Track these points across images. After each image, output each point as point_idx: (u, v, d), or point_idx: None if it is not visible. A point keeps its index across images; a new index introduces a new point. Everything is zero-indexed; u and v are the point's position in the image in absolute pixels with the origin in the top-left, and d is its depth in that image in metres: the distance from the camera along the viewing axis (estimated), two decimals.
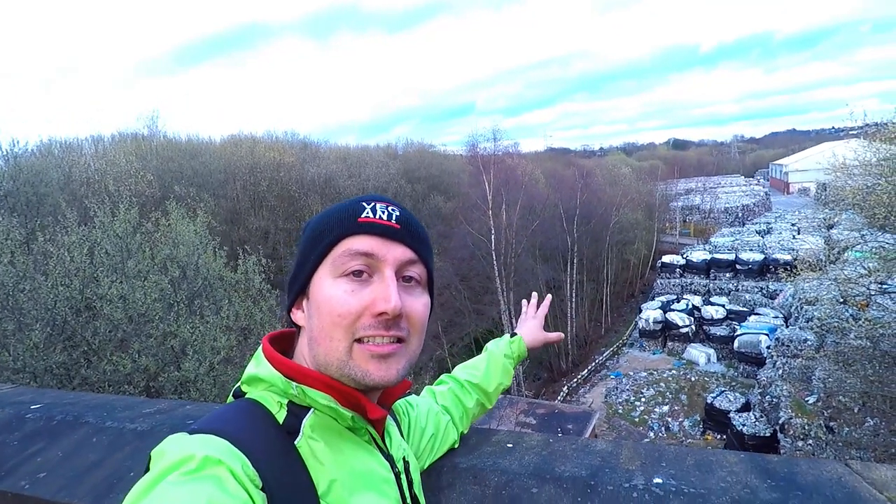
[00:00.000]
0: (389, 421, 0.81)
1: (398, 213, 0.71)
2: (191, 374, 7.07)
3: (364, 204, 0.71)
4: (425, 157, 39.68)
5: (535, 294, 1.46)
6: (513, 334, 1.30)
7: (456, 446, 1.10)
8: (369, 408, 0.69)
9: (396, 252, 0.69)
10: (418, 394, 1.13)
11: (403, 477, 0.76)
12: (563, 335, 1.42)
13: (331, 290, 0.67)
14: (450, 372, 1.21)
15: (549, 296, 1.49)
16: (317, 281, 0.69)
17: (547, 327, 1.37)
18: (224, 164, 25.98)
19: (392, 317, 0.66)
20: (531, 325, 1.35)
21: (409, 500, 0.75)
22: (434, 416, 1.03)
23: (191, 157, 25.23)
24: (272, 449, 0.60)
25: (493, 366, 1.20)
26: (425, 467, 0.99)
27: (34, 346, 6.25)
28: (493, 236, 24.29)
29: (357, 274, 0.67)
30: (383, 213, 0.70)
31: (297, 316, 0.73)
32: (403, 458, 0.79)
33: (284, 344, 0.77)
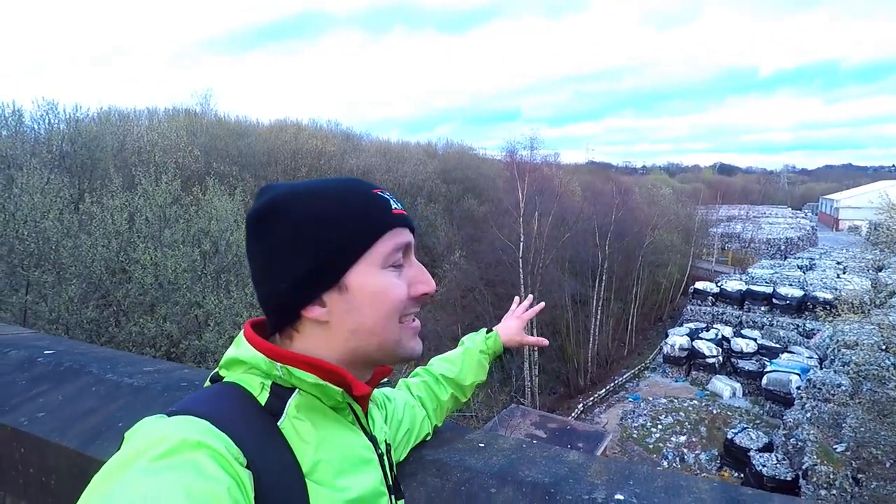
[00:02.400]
0: (371, 403, 0.82)
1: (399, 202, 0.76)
2: (210, 345, 7.30)
3: (382, 194, 0.73)
4: (463, 159, 39.68)
5: (530, 296, 1.45)
6: (489, 330, 1.29)
7: (428, 438, 1.11)
8: (355, 385, 0.69)
9: (411, 238, 0.75)
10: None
11: (385, 459, 0.77)
12: (545, 341, 1.40)
13: (385, 280, 0.70)
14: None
15: (542, 304, 1.47)
16: (359, 274, 0.68)
17: (530, 331, 1.35)
18: (268, 147, 26.65)
19: (430, 297, 0.73)
20: (512, 325, 1.33)
21: (391, 483, 0.76)
22: (410, 409, 1.03)
23: (237, 137, 26.00)
24: (254, 429, 0.60)
25: (468, 360, 1.19)
26: (401, 460, 1.00)
27: (70, 299, 6.57)
28: (521, 244, 24.09)
29: (398, 264, 0.72)
30: (395, 202, 0.73)
31: (316, 312, 0.69)
32: (385, 441, 0.80)
33: (263, 331, 0.75)
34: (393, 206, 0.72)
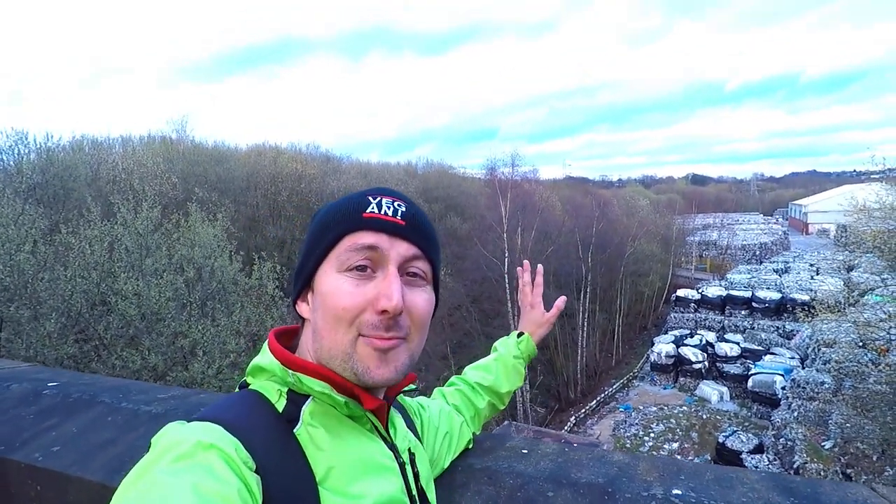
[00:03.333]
0: (394, 412, 0.80)
1: (405, 209, 0.70)
2: (198, 376, 7.10)
3: (370, 198, 0.70)
4: (444, 178, 39.96)
5: (526, 262, 1.37)
6: (520, 333, 1.26)
7: (471, 447, 1.09)
8: (364, 397, 0.68)
9: (401, 248, 0.68)
10: (427, 394, 1.12)
11: (409, 468, 0.75)
12: (565, 298, 1.34)
13: (335, 283, 0.67)
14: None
15: (540, 266, 1.38)
16: (321, 274, 0.69)
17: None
18: (247, 172, 26.43)
19: (393, 315, 0.65)
20: (534, 317, 1.29)
21: (415, 492, 0.74)
22: (446, 415, 1.02)
23: (215, 163, 25.72)
24: (269, 436, 0.61)
25: (503, 367, 1.18)
26: (446, 466, 0.99)
27: (47, 335, 6.34)
28: (506, 259, 24.23)
29: (361, 269, 0.67)
30: (388, 208, 0.69)
31: (303, 308, 0.73)
32: (409, 450, 0.78)
33: (289, 339, 0.77)
34: (369, 210, 0.68)
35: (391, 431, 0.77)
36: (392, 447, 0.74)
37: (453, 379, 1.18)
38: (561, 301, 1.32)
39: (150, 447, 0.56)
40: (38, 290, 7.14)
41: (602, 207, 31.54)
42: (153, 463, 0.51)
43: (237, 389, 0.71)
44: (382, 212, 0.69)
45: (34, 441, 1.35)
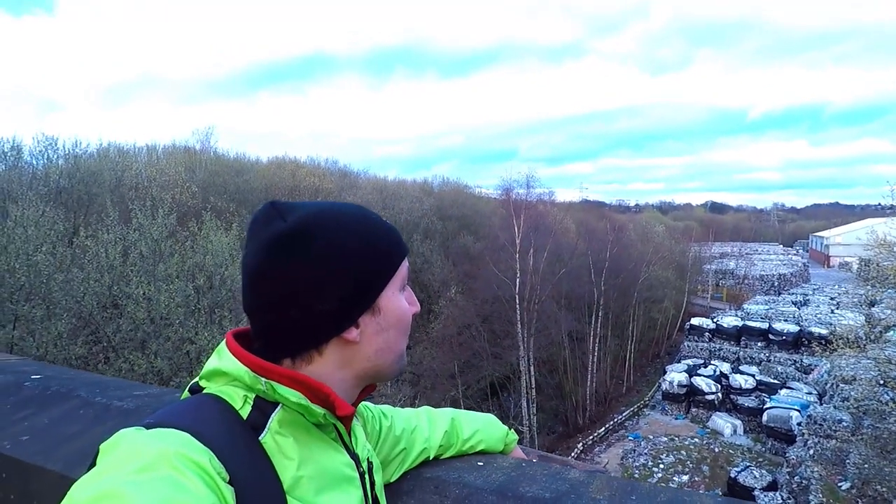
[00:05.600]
0: (355, 421, 0.80)
1: None
2: None
3: (389, 222, 0.79)
4: (459, 197, 40.17)
5: None
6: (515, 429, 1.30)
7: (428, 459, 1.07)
8: (338, 404, 0.68)
9: None
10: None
11: (367, 477, 0.76)
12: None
13: (404, 302, 0.76)
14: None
15: None
16: (389, 296, 0.74)
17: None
18: (265, 184, 26.95)
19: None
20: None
21: (370, 501, 0.74)
22: (408, 434, 1.01)
23: (235, 174, 26.30)
24: (235, 443, 0.59)
25: (492, 434, 1.18)
26: (392, 479, 0.97)
27: (58, 335, 6.46)
28: (518, 280, 24.11)
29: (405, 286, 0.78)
30: None
31: (353, 333, 0.70)
32: (368, 459, 0.79)
33: (248, 341, 0.73)
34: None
35: (353, 440, 0.77)
36: (354, 456, 0.74)
37: (447, 413, 1.14)
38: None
39: (97, 454, 0.52)
40: (53, 291, 7.31)
41: (617, 232, 31.29)
42: (109, 473, 0.47)
43: (186, 393, 0.68)
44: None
45: (6, 430, 1.37)
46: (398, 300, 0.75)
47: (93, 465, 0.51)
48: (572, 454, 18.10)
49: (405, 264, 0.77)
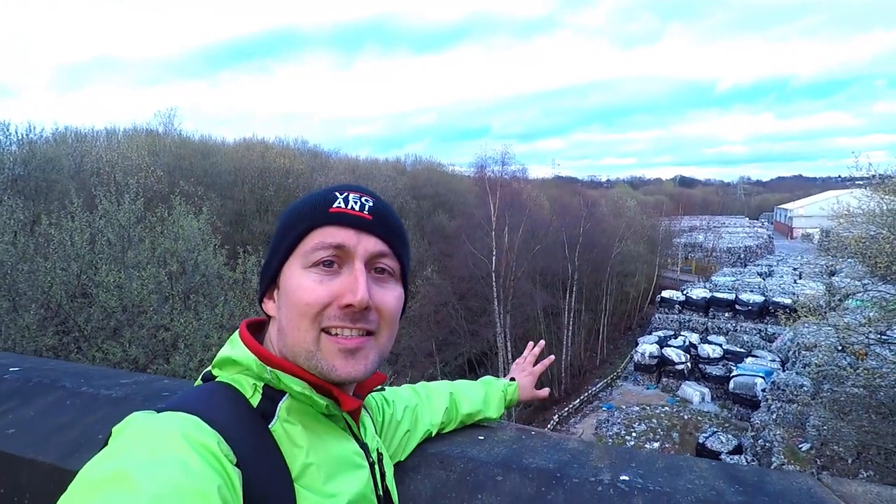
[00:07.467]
0: (364, 412, 0.80)
1: (371, 204, 0.70)
2: (179, 369, 7.03)
3: (337, 193, 0.69)
4: (433, 175, 39.90)
5: (542, 342, 1.45)
6: (511, 378, 1.31)
7: (431, 436, 1.09)
8: (342, 399, 0.68)
9: (368, 244, 0.68)
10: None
11: (377, 468, 0.76)
12: (549, 391, 1.42)
13: (299, 280, 0.66)
14: None
15: (552, 357, 1.48)
16: (287, 271, 0.68)
17: (539, 384, 1.38)
18: (234, 167, 26.20)
19: (359, 309, 0.65)
20: (526, 381, 1.34)
21: (380, 492, 0.75)
22: (410, 411, 1.01)
23: (202, 157, 25.45)
24: (246, 429, 0.59)
25: (490, 404, 1.22)
26: (403, 459, 0.98)
27: (26, 326, 6.23)
28: (493, 257, 24.30)
29: (327, 265, 0.66)
30: (356, 203, 0.68)
31: (269, 306, 0.72)
32: (377, 450, 0.79)
33: (260, 331, 0.76)
34: (336, 205, 0.68)
35: (362, 430, 0.77)
36: (363, 446, 0.74)
37: (441, 385, 1.16)
38: (548, 360, 1.43)
39: (110, 436, 0.53)
40: (18, 282, 7.02)
41: (589, 207, 31.69)
42: (119, 455, 0.47)
43: (200, 381, 0.69)
44: (349, 207, 0.68)
45: None
46: (295, 276, 0.67)
47: (105, 447, 0.51)
48: (548, 426, 18.60)
49: (316, 238, 0.67)
